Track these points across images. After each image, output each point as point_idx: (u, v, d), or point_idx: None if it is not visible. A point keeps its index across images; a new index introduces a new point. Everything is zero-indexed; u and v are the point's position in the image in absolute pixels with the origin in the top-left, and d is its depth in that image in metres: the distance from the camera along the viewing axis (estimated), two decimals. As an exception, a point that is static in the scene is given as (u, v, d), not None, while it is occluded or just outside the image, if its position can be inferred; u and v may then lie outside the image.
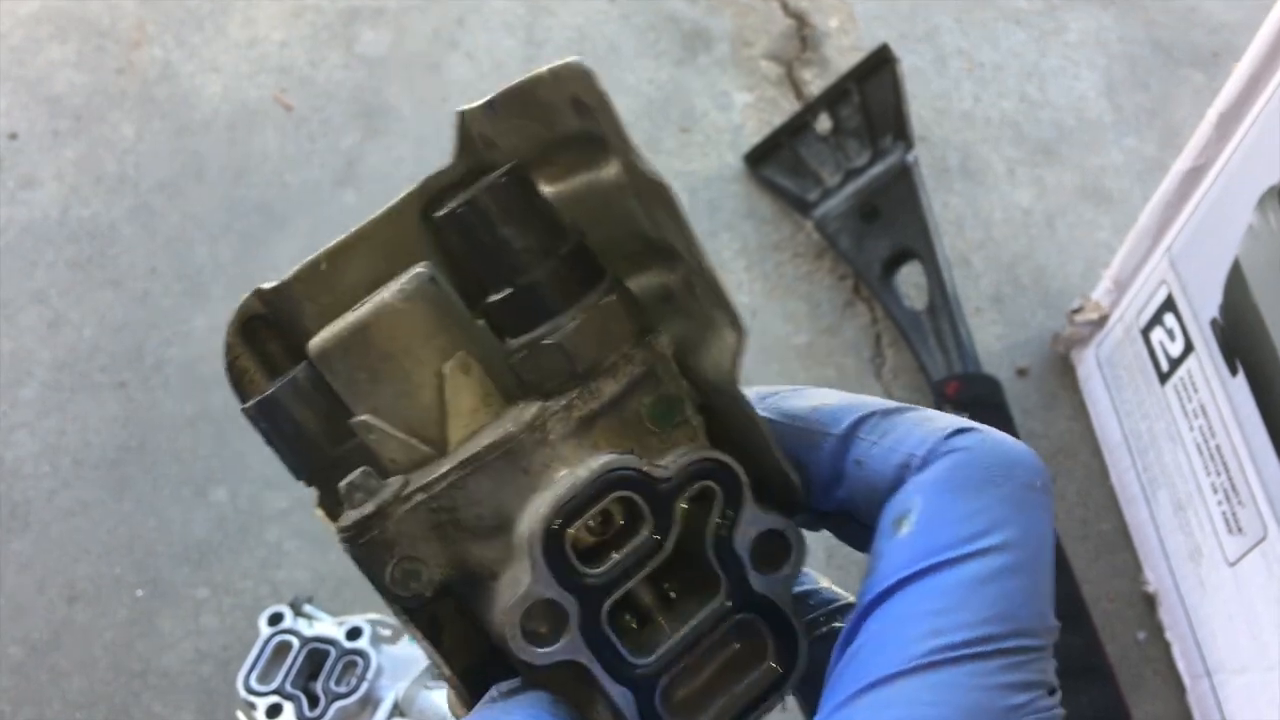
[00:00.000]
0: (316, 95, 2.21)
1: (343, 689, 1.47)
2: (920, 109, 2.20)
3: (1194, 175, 1.57)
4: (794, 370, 1.96)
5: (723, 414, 0.52)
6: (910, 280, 2.00)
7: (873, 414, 0.47)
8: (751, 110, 2.24)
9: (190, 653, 1.68)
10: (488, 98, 0.51)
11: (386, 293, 0.50)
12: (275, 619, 1.52)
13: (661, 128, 2.20)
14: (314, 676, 1.49)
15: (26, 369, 1.90)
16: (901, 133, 2.01)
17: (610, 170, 0.50)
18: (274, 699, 1.45)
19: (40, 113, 2.16)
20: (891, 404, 0.48)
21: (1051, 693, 0.41)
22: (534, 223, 0.50)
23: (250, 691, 1.46)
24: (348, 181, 2.11)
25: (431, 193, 0.53)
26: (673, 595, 0.51)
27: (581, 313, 0.49)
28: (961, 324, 1.91)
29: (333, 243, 0.54)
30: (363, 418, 0.50)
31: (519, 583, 0.46)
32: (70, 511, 1.78)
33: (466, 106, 0.53)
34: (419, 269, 0.51)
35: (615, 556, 0.48)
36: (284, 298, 0.53)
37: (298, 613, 1.54)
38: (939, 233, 1.96)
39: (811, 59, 2.32)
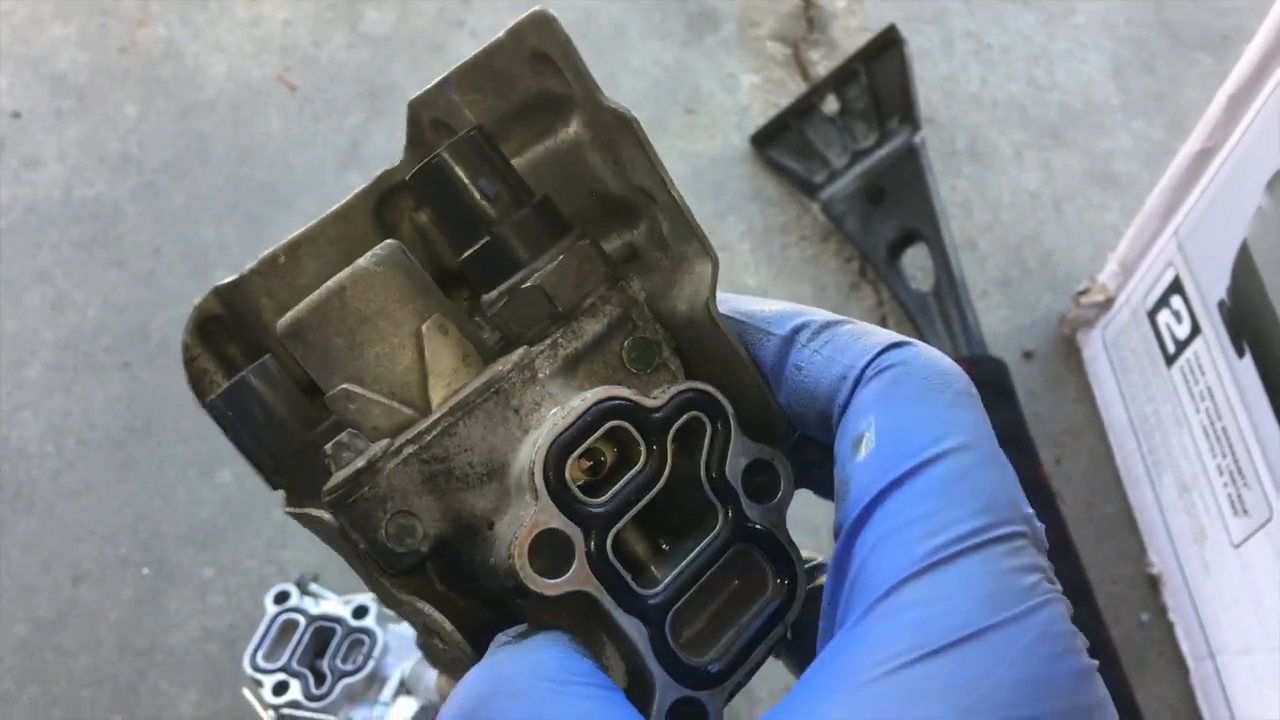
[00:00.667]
0: (321, 75, 2.20)
1: (349, 667, 1.47)
2: (927, 91, 2.19)
3: (1203, 158, 1.56)
4: (799, 352, 1.96)
5: (702, 350, 0.53)
6: (916, 263, 1.99)
7: (812, 322, 0.50)
8: (758, 91, 2.23)
9: (197, 631, 1.68)
10: (440, 77, 0.52)
11: (359, 261, 0.50)
12: (281, 597, 1.52)
13: (667, 109, 2.20)
14: (320, 654, 1.49)
15: (31, 349, 1.90)
16: (908, 115, 2.00)
17: (568, 131, 0.52)
18: (280, 676, 1.46)
19: (43, 92, 2.16)
20: (831, 316, 0.50)
21: (1045, 573, 0.43)
22: (503, 173, 0.51)
23: (257, 669, 1.47)
24: (352, 162, 2.10)
25: (383, 190, 0.55)
26: (664, 547, 0.52)
27: (558, 254, 0.50)
28: (968, 306, 1.90)
29: (289, 237, 0.54)
30: (342, 387, 0.49)
31: (521, 519, 0.46)
32: (75, 491, 1.78)
33: (416, 94, 0.54)
34: (388, 242, 0.51)
35: (615, 487, 0.48)
36: (242, 293, 0.54)
37: (304, 591, 1.54)
38: (946, 215, 1.96)
39: (818, 40, 2.31)
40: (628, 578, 0.47)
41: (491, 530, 0.48)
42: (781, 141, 2.12)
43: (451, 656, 0.49)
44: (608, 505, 0.47)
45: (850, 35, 2.30)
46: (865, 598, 0.42)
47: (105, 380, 1.87)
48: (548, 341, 0.50)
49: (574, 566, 0.46)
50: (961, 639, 0.39)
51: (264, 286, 0.54)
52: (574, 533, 0.46)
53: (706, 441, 0.50)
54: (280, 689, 1.45)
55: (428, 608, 0.48)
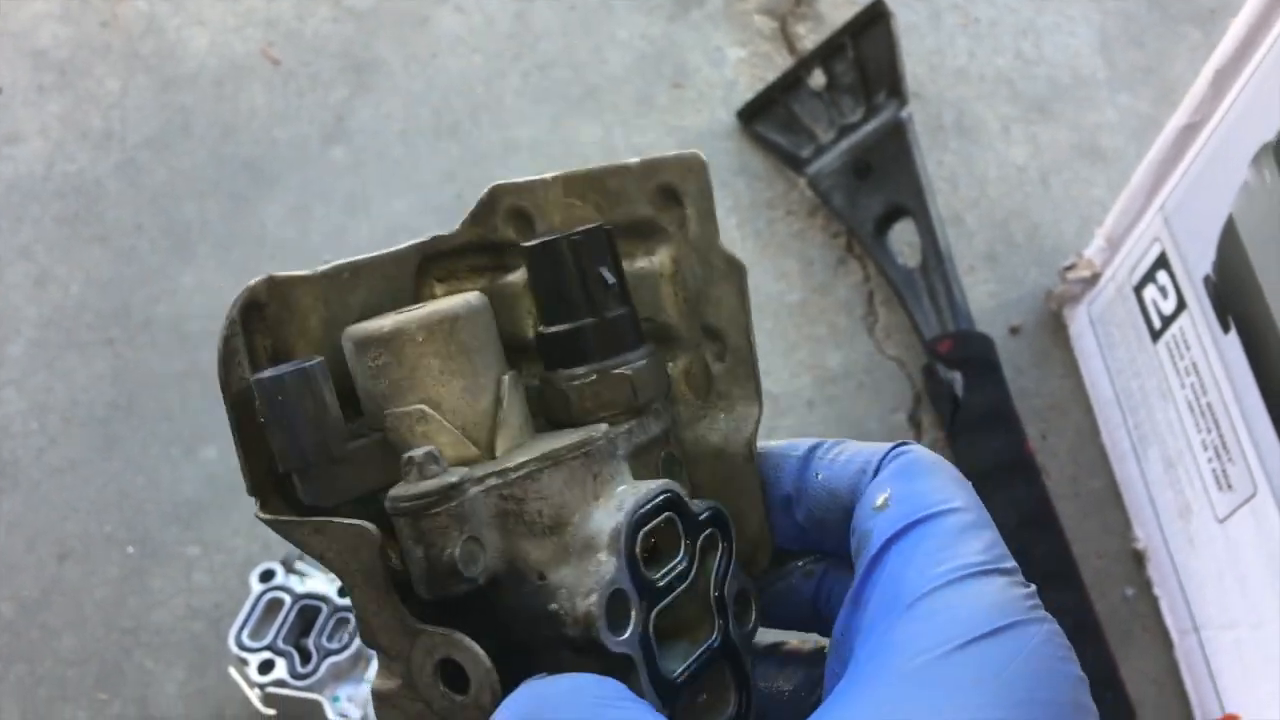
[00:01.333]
0: (304, 49, 2.18)
1: (335, 645, 1.47)
2: (914, 65, 2.18)
3: (1189, 132, 1.56)
4: (786, 328, 1.95)
5: (718, 480, 0.57)
6: (903, 238, 1.99)
7: (825, 441, 0.56)
8: (745, 66, 2.22)
9: (182, 609, 1.68)
10: (550, 174, 0.56)
11: (466, 296, 0.53)
12: (267, 576, 1.52)
13: (654, 84, 2.18)
14: (306, 633, 1.50)
15: (14, 326, 1.89)
16: (896, 89, 1.99)
17: (651, 260, 0.56)
18: (266, 655, 1.46)
19: (24, 67, 2.14)
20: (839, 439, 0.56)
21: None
22: (620, 272, 0.54)
23: (242, 648, 1.47)
24: (336, 138, 2.09)
25: (429, 252, 0.57)
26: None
27: (645, 355, 0.55)
28: (955, 282, 1.90)
29: (351, 259, 0.56)
30: (419, 406, 0.51)
31: (593, 574, 0.48)
32: (59, 469, 1.77)
33: (509, 181, 0.57)
34: (479, 293, 0.54)
35: (665, 568, 0.51)
36: (301, 291, 0.54)
37: (289, 570, 1.54)
38: (932, 190, 1.95)
39: (805, 13, 2.29)
40: (659, 655, 0.50)
41: (543, 580, 0.49)
42: (768, 116, 2.11)
43: (450, 704, 0.49)
44: (663, 580, 0.51)
45: (837, 9, 2.29)
46: (893, 611, 0.47)
47: (88, 357, 1.86)
48: (625, 426, 0.54)
49: (629, 630, 0.48)
50: (982, 635, 0.44)
51: (324, 293, 0.54)
52: (634, 599, 0.49)
53: (717, 557, 0.54)
54: (266, 667, 1.45)
55: (466, 640, 0.48)
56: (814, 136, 2.05)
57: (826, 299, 1.99)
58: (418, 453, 0.47)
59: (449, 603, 0.48)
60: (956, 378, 1.80)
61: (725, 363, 0.56)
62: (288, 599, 1.50)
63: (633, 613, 0.48)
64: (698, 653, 0.52)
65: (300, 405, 0.49)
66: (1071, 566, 1.71)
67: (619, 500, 0.50)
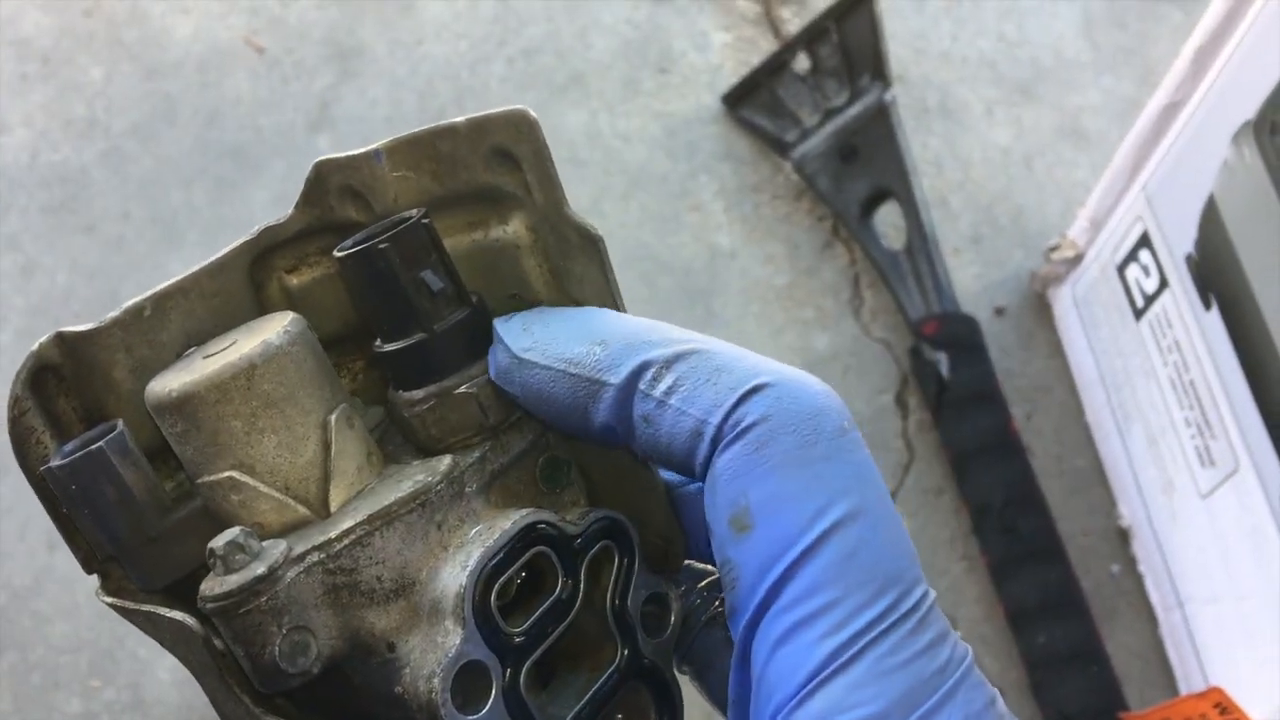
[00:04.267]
0: (288, 36, 2.18)
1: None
2: (898, 48, 2.19)
3: (1170, 111, 1.57)
4: (773, 312, 1.96)
5: (614, 475, 0.51)
6: (889, 221, 2.00)
7: (653, 360, 0.44)
8: (729, 50, 2.23)
9: (173, 596, 1.69)
10: (371, 146, 0.49)
11: (267, 335, 0.45)
12: (257, 561, 1.53)
13: (639, 69, 2.19)
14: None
15: (1, 315, 1.88)
16: (880, 72, 2.00)
17: (505, 230, 0.49)
18: (258, 639, 1.46)
19: (7, 55, 2.13)
20: (678, 342, 0.45)
21: (950, 634, 0.42)
22: (448, 268, 0.47)
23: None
24: (322, 125, 2.09)
25: (262, 246, 0.50)
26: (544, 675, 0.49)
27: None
28: (939, 264, 1.91)
29: (156, 288, 0.49)
30: (228, 474, 0.45)
31: (439, 646, 0.43)
32: (49, 458, 1.78)
33: (330, 156, 0.50)
34: (291, 317, 0.47)
35: (532, 617, 0.45)
36: (94, 344, 0.48)
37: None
38: (917, 173, 1.96)
39: (789, -3, 2.30)
40: (536, 715, 0.45)
41: (393, 653, 0.44)
42: (753, 100, 2.11)
43: None
44: (526, 635, 0.45)
45: (822, -7, 2.29)
46: (775, 706, 0.40)
47: (76, 347, 1.86)
48: (476, 454, 0.47)
49: (490, 702, 0.43)
50: None
51: (123, 340, 0.48)
52: (493, 665, 0.43)
53: (614, 572, 0.48)
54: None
55: None
56: (799, 120, 2.06)
57: (813, 282, 2.00)
58: (219, 542, 0.42)
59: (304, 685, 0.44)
60: (942, 359, 1.81)
61: None
62: (279, 584, 1.50)
63: (493, 683, 0.43)
64: (598, 683, 0.47)
65: (99, 490, 0.44)
66: (1057, 544, 1.73)
67: (466, 553, 0.44)
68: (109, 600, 0.47)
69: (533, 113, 0.46)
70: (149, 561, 0.46)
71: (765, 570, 0.41)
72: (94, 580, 1.56)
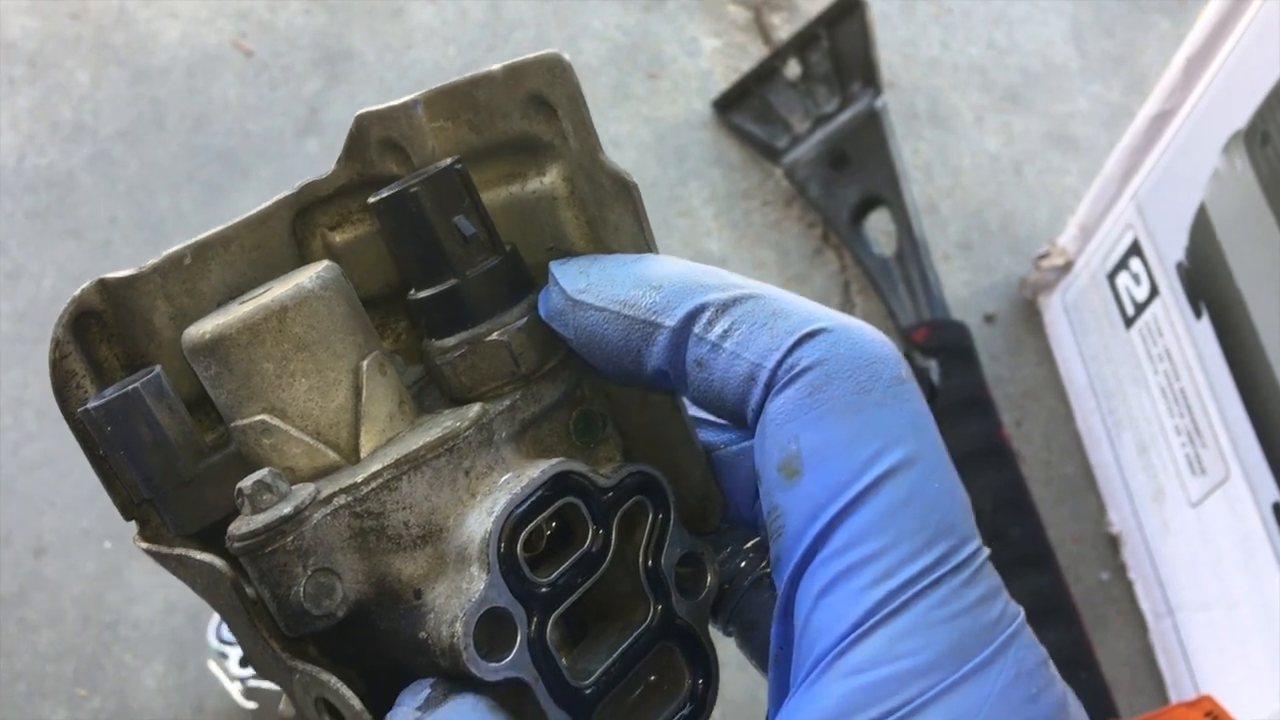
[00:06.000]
0: (277, 40, 2.17)
1: (315, 638, 1.47)
2: (889, 55, 2.19)
3: (1160, 120, 1.57)
4: (763, 317, 1.96)
5: (651, 430, 0.50)
6: (879, 227, 2.00)
7: (709, 303, 0.43)
8: (720, 56, 2.22)
9: (160, 604, 1.67)
10: (408, 96, 0.49)
11: (300, 279, 0.45)
12: (246, 569, 1.52)
13: (629, 74, 2.18)
14: (286, 626, 1.49)
15: (-14, 321, 1.87)
16: (870, 79, 2.00)
17: (542, 181, 0.48)
18: (247, 648, 1.45)
19: (-7, 59, 2.11)
20: (734, 287, 0.44)
21: (1003, 592, 0.40)
22: (481, 215, 0.47)
23: (222, 641, 1.46)
24: (311, 130, 2.08)
25: (305, 201, 0.50)
26: (579, 632, 0.49)
27: (525, 312, 0.47)
28: (930, 270, 1.91)
29: (197, 238, 0.49)
30: (260, 417, 0.45)
31: (464, 591, 0.42)
32: (35, 464, 1.76)
33: (370, 108, 0.50)
34: (326, 264, 0.47)
35: (561, 567, 0.45)
36: (135, 290, 0.48)
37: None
38: (907, 179, 1.96)
39: (780, 3, 2.30)
40: (563, 667, 0.44)
41: (418, 600, 0.44)
42: (744, 106, 2.11)
43: None
44: (553, 586, 0.44)
45: (812, -1, 2.29)
46: (817, 656, 0.39)
47: (63, 352, 1.85)
48: (506, 403, 0.47)
49: (514, 651, 0.42)
50: (928, 701, 0.37)
51: (162, 288, 0.48)
52: (518, 614, 0.43)
53: (647, 528, 0.47)
54: (246, 661, 1.45)
55: (334, 681, 0.43)
56: (789, 127, 2.06)
57: (803, 289, 2.00)
58: (247, 482, 0.42)
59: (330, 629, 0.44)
60: (933, 365, 1.81)
61: None
62: (268, 592, 1.49)
63: (519, 631, 0.43)
64: (627, 643, 0.46)
65: (135, 432, 0.44)
66: (1047, 551, 1.73)
67: (493, 500, 0.44)
68: (145, 545, 0.47)
69: (566, 56, 0.47)
70: (183, 504, 0.46)
71: (813, 516, 0.40)
72: (80, 587, 1.54)
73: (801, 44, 2.08)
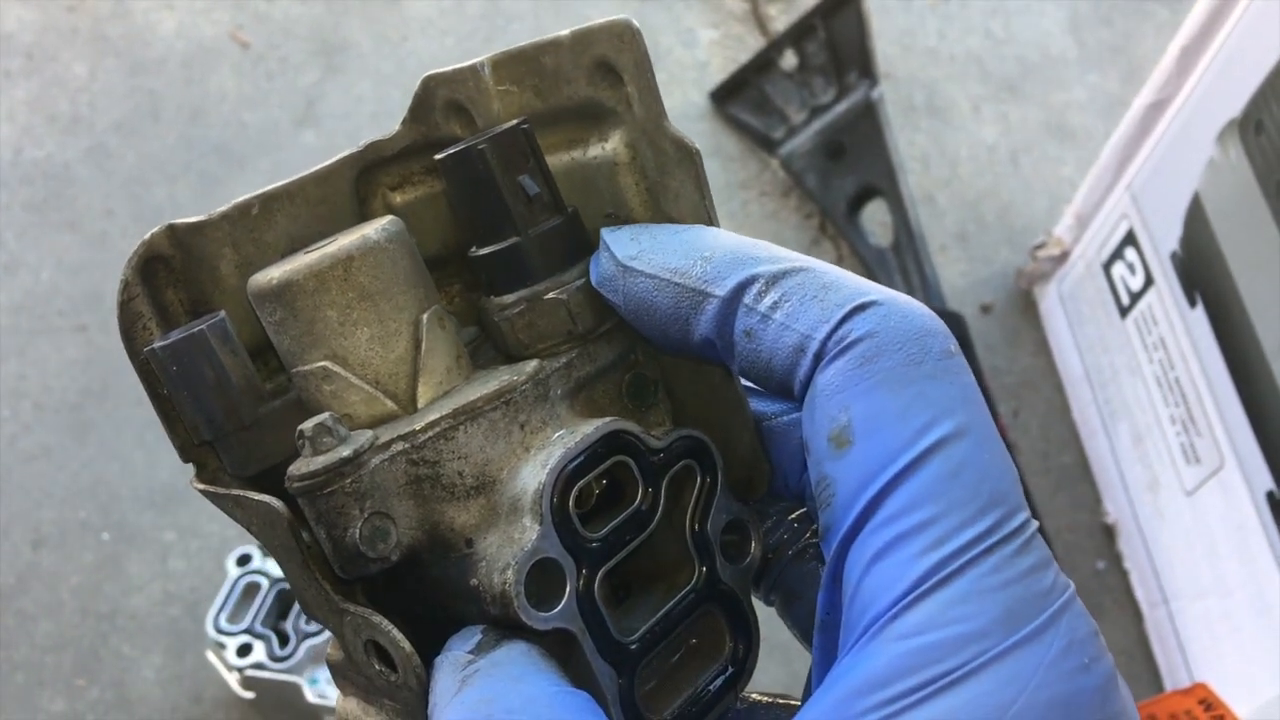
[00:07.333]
0: (274, 32, 2.17)
1: (313, 628, 1.48)
2: (885, 45, 2.19)
3: (1155, 110, 1.57)
4: (760, 308, 1.96)
5: (703, 398, 0.50)
6: (876, 218, 2.00)
7: (759, 275, 0.44)
8: (717, 47, 2.22)
9: (158, 595, 1.68)
10: (476, 59, 0.49)
11: (365, 231, 0.47)
12: (244, 560, 1.52)
13: (625, 65, 2.18)
14: (284, 616, 1.50)
15: (-16, 313, 1.87)
16: (867, 69, 2.00)
17: (604, 147, 0.49)
18: (244, 639, 1.46)
19: (-10, 51, 2.11)
20: (784, 260, 0.44)
21: (1053, 563, 0.40)
22: (545, 175, 0.48)
23: (220, 632, 1.47)
24: (307, 121, 2.08)
25: (368, 160, 0.51)
26: (623, 592, 0.49)
27: (584, 273, 0.48)
28: (926, 261, 1.91)
29: (264, 189, 0.50)
30: (322, 363, 0.46)
31: (516, 541, 0.43)
32: (32, 456, 1.77)
33: (440, 70, 0.50)
34: (390, 218, 0.48)
35: (611, 524, 0.45)
36: (203, 237, 0.49)
37: (266, 554, 1.54)
38: (904, 170, 1.96)
39: (776, -6, 2.30)
40: (609, 621, 0.45)
41: (470, 549, 0.45)
42: (741, 97, 2.11)
43: (387, 682, 0.45)
44: (604, 540, 0.45)
45: (808, -11, 2.29)
46: (869, 620, 0.39)
47: (60, 343, 1.85)
48: (562, 360, 0.48)
49: (563, 602, 0.43)
50: (980, 665, 0.37)
51: (229, 235, 0.49)
52: (568, 566, 0.44)
53: (694, 493, 0.48)
54: (244, 651, 1.45)
55: (385, 623, 0.44)
56: (786, 118, 2.06)
57: (800, 279, 2.00)
58: (308, 425, 0.43)
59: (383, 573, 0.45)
60: (929, 356, 1.81)
61: None
62: (265, 582, 1.50)
63: (568, 582, 0.43)
64: (672, 602, 0.47)
65: (199, 373, 0.46)
66: (1044, 541, 1.73)
67: (548, 453, 0.45)
68: (201, 487, 0.49)
69: (635, 22, 0.47)
70: (242, 447, 0.47)
71: (864, 485, 0.40)
72: (78, 578, 1.55)
73: (798, 35, 2.08)
